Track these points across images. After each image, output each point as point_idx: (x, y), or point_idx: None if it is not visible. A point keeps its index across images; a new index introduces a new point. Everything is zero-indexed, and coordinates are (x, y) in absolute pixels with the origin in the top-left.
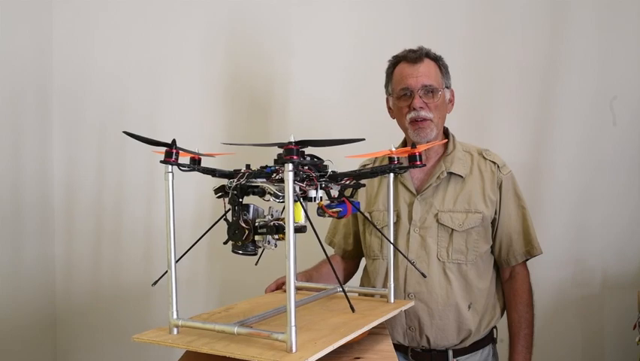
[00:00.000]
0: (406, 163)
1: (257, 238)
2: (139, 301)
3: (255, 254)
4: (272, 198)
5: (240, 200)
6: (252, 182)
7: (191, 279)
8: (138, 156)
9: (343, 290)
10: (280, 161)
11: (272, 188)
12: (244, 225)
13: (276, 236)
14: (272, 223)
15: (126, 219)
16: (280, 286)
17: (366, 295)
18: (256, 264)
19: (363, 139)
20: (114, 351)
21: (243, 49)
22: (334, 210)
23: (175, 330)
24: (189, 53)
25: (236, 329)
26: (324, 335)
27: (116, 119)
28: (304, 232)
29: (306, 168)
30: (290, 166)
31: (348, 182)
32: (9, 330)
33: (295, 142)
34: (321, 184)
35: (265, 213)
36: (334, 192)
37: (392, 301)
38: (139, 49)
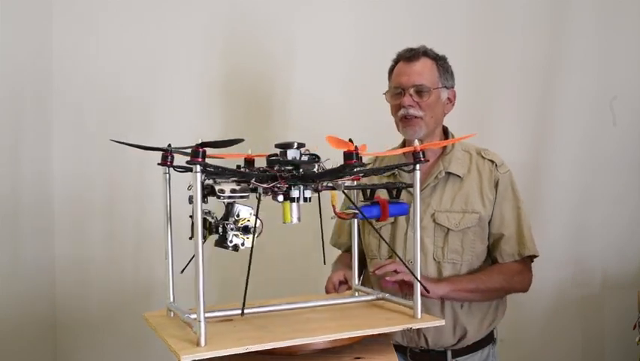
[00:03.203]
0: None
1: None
2: (139, 301)
3: (236, 250)
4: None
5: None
6: (219, 182)
7: (191, 279)
8: (139, 155)
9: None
10: (189, 162)
11: (233, 187)
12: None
13: (239, 235)
14: (224, 223)
15: (127, 219)
16: (341, 284)
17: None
18: (324, 263)
19: (243, 140)
20: (114, 351)
21: (243, 49)
22: (346, 212)
23: (171, 313)
24: (190, 53)
25: (184, 317)
26: (272, 337)
27: (117, 118)
28: (255, 233)
29: (274, 167)
30: (198, 168)
31: (326, 183)
32: (9, 330)
33: (199, 144)
34: (295, 183)
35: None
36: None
37: (419, 316)
38: (139, 49)
